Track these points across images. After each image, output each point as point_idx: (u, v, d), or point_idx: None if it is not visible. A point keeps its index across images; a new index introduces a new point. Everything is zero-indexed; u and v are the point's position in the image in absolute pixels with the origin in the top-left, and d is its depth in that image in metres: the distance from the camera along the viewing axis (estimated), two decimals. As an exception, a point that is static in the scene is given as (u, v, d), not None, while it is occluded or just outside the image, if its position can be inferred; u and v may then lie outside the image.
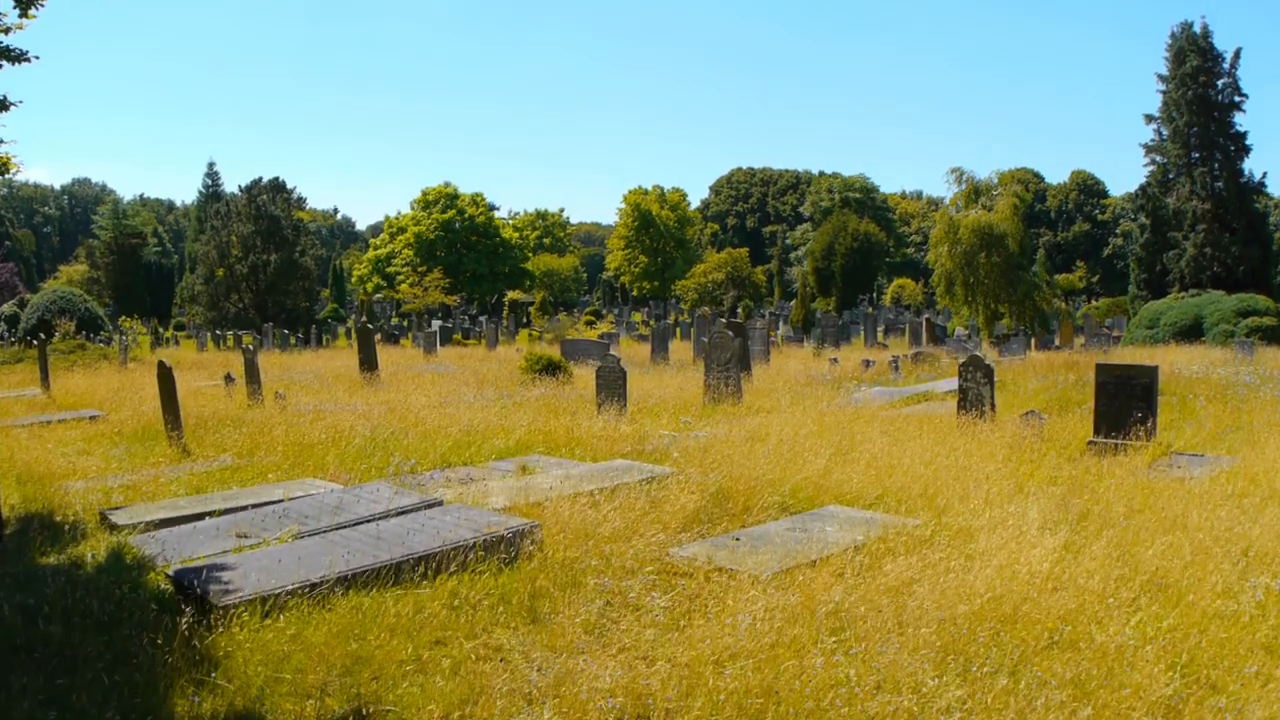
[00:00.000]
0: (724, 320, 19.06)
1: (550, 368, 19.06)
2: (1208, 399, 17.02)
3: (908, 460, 10.71)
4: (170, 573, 6.86)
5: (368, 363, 20.13)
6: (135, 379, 22.88)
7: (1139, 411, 12.75)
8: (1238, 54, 46.53)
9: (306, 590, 6.29)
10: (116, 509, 9.04)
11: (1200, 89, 46.12)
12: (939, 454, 11.11)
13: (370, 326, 20.68)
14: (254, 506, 8.83)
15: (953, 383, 18.99)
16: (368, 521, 7.92)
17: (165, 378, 12.95)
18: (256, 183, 61.28)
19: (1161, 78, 47.93)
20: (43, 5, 10.17)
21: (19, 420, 16.25)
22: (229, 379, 18.66)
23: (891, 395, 18.38)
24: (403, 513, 8.16)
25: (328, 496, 8.86)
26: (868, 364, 23.47)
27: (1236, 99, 46.55)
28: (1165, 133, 47.96)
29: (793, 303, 79.36)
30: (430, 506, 8.34)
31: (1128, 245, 79.28)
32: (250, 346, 17.62)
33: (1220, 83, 46.64)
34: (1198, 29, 47.06)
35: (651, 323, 76.02)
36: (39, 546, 8.10)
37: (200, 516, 8.57)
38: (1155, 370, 13.24)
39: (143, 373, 26.28)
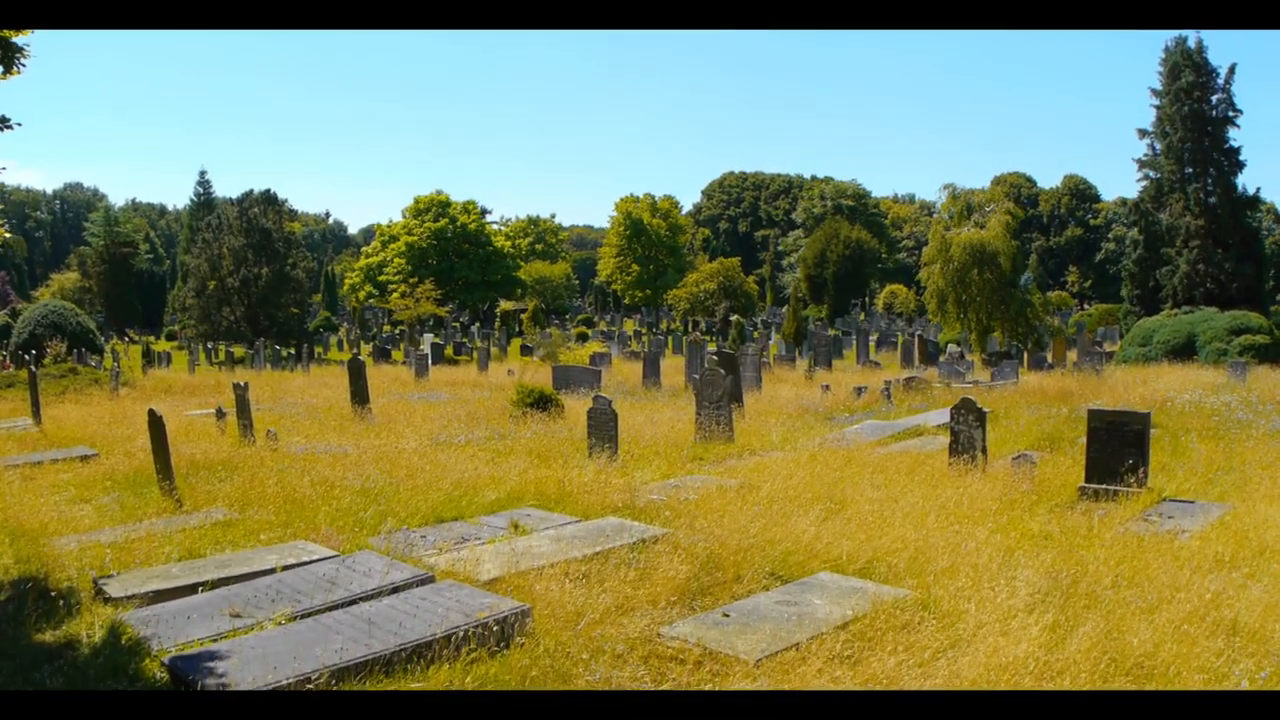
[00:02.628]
0: (714, 357, 19.11)
1: (541, 401, 19.14)
2: (1200, 435, 17.11)
3: (899, 518, 10.75)
4: (166, 661, 6.90)
5: (358, 396, 20.18)
6: (126, 408, 22.89)
7: (1131, 459, 12.81)
8: (1232, 70, 46.73)
9: (301, 686, 6.31)
10: (109, 577, 9.05)
11: (1194, 105, 46.22)
12: (929, 509, 11.15)
13: (360, 360, 20.70)
14: (247, 578, 8.85)
15: (944, 414, 19.02)
16: (361, 601, 7.94)
17: (155, 425, 12.94)
18: (248, 195, 61.31)
19: (1155, 92, 48.07)
20: (24, 64, 10.17)
21: (11, 459, 16.25)
22: (220, 414, 18.66)
23: (883, 430, 18.43)
24: (395, 590, 8.18)
25: (320, 567, 8.89)
26: (860, 391, 23.52)
27: (1231, 114, 46.70)
28: (1159, 148, 48.10)
29: (784, 309, 79.52)
30: (422, 583, 8.37)
31: (1120, 250, 79.47)
32: (242, 384, 17.62)
33: (1214, 98, 46.76)
34: (1192, 44, 47.20)
35: (644, 331, 76.23)
36: (35, 622, 8.11)
37: (194, 588, 8.59)
38: (1147, 417, 13.28)
39: (134, 399, 26.34)
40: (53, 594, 8.67)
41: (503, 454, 15.22)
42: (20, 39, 10.04)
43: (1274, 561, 9.41)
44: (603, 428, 15.00)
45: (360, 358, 21.37)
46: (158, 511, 12.18)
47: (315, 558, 9.40)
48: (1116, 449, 13.03)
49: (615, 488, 12.51)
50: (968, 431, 14.20)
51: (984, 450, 14.10)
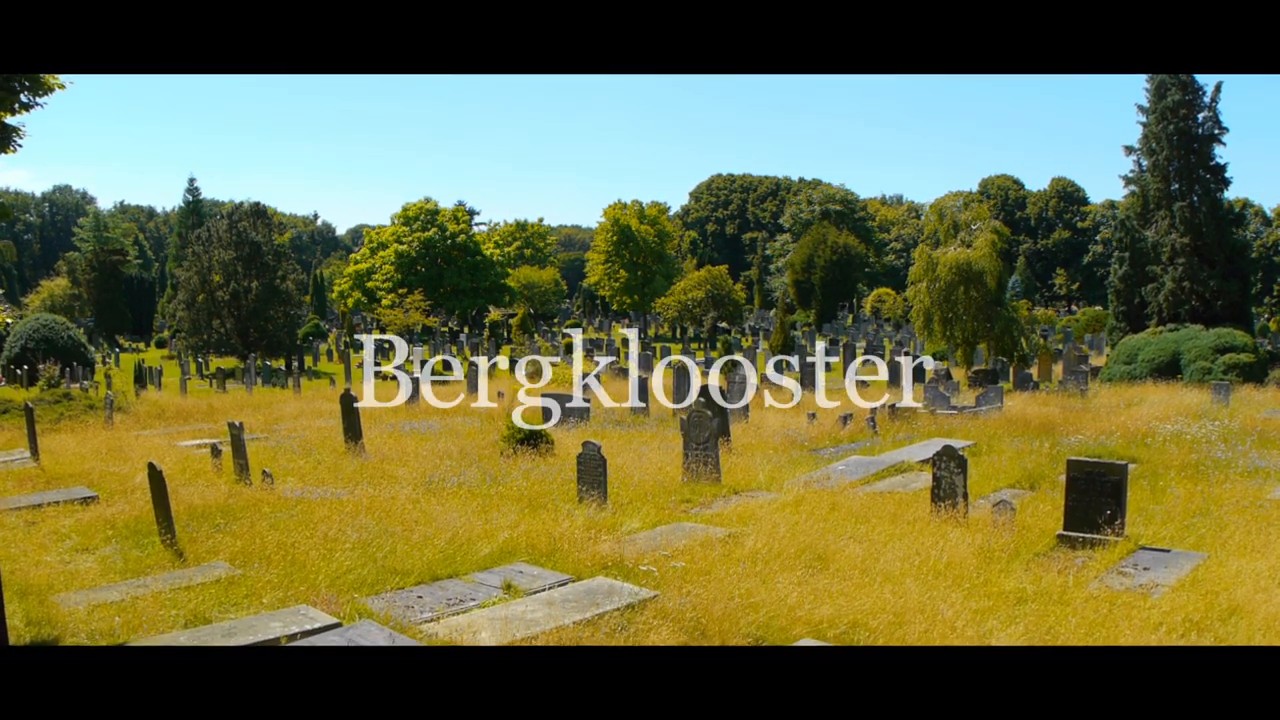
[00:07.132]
0: (702, 399, 19.47)
1: (531, 438, 19.52)
2: (1179, 473, 17.45)
3: (879, 577, 11.06)
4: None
5: (351, 431, 20.50)
6: (122, 439, 23.20)
7: (1108, 509, 13.12)
8: (1218, 87, 46.89)
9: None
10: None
11: (1181, 123, 46.39)
12: (909, 569, 11.45)
13: (352, 394, 21.02)
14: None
15: (927, 448, 19.47)
16: (361, 680, 8.25)
17: (155, 478, 13.24)
18: (238, 208, 61.54)
19: (1142, 109, 48.29)
20: (21, 144, 10.55)
21: (11, 502, 16.52)
22: (216, 451, 18.94)
23: (867, 467, 18.77)
24: (395, 667, 8.50)
25: (323, 639, 9.19)
26: (845, 420, 23.87)
27: (1217, 132, 46.78)
28: (1145, 164, 48.30)
29: (772, 312, 79.89)
30: (421, 660, 8.69)
31: (1108, 253, 79.86)
32: (237, 423, 17.98)
33: (1201, 116, 46.89)
34: (1179, 62, 47.31)
35: (632, 339, 76.46)
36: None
37: (199, 661, 8.90)
38: (1125, 469, 13.62)
39: (128, 427, 26.63)
40: (63, 664, 8.94)
41: (495, 500, 15.51)
42: (15, 120, 10.44)
43: (1242, 624, 9.73)
44: (592, 473, 15.32)
45: (351, 391, 21.66)
46: (160, 565, 12.44)
47: (318, 625, 9.70)
48: (1094, 498, 13.35)
49: (605, 540, 12.84)
50: (949, 477, 14.52)
51: (965, 495, 14.43)
